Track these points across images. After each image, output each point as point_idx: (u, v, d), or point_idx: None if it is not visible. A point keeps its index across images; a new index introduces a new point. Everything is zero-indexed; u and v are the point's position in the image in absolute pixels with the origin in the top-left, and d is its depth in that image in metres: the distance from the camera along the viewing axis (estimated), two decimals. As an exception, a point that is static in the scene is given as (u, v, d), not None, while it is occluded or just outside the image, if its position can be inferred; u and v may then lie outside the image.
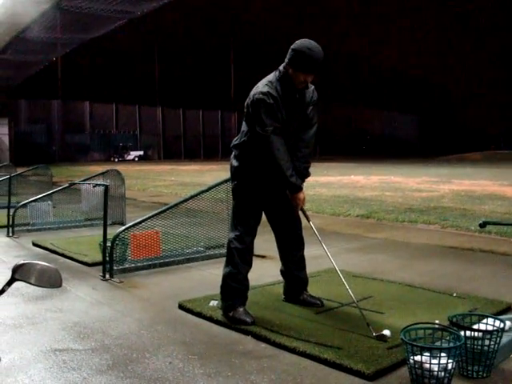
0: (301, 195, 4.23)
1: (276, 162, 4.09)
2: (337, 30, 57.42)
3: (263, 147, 4.11)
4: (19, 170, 13.39)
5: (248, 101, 4.19)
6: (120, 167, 13.43)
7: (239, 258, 4.24)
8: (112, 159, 50.74)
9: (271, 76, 4.22)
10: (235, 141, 4.41)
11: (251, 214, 4.30)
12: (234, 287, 4.24)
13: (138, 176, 23.48)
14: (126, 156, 52.40)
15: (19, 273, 1.88)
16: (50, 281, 1.94)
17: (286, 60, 4.11)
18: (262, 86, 4.14)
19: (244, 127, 4.33)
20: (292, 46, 4.09)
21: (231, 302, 4.22)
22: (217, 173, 24.45)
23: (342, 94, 67.27)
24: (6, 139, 40.55)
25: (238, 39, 59.54)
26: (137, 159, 51.92)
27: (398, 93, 74.65)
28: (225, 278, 4.30)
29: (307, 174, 4.36)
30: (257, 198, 4.31)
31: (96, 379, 3.25)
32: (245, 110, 4.26)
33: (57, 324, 4.26)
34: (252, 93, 4.17)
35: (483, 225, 3.32)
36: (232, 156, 4.43)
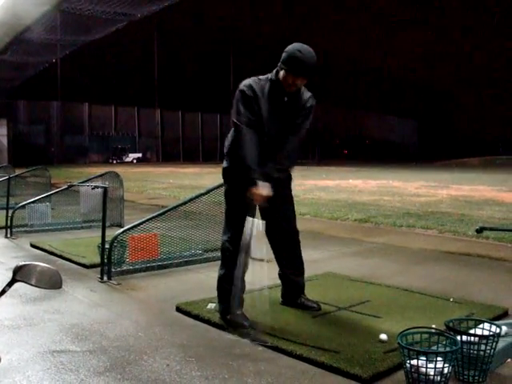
0: (257, 190, 4.01)
1: (242, 152, 4.06)
2: (336, 35, 57.50)
3: (235, 137, 4.16)
4: (18, 171, 13.39)
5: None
6: (118, 169, 13.44)
7: (231, 261, 4.25)
8: (110, 161, 50.68)
9: (265, 75, 4.26)
10: (225, 142, 4.46)
11: (243, 216, 4.23)
12: (229, 289, 4.24)
13: (136, 178, 23.48)
14: (124, 158, 52.35)
15: (20, 274, 1.89)
16: (50, 282, 1.95)
17: (280, 62, 4.14)
18: (247, 80, 4.20)
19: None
20: (285, 49, 4.13)
21: (228, 305, 4.23)
22: (215, 175, 24.42)
23: (341, 98, 67.34)
24: (4, 140, 40.52)
25: (238, 42, 59.60)
26: (135, 161, 51.87)
27: (397, 98, 74.75)
28: (219, 280, 4.33)
29: (273, 174, 4.12)
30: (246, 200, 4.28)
31: (93, 381, 3.26)
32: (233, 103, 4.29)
33: (55, 325, 4.27)
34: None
35: (480, 230, 3.34)
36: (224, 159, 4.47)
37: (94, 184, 8.26)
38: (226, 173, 4.39)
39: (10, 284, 1.88)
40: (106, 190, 6.17)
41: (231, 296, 4.23)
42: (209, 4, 50.72)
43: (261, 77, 4.24)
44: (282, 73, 4.10)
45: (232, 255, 4.23)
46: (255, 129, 4.09)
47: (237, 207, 4.29)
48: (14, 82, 49.45)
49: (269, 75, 4.23)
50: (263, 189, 4.00)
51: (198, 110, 58.31)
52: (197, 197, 6.52)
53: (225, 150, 4.42)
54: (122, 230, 6.16)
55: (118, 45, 50.38)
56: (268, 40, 55.29)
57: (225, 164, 4.40)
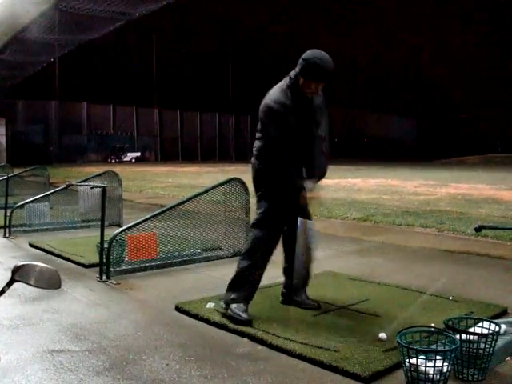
0: (306, 195, 4.31)
1: (280, 164, 4.26)
2: (335, 32, 57.48)
3: (271, 152, 4.30)
4: (16, 171, 13.37)
5: (261, 107, 4.33)
6: (117, 168, 13.43)
7: (263, 256, 4.37)
8: (109, 160, 50.58)
9: (282, 83, 4.36)
10: (255, 144, 4.52)
11: (285, 215, 4.43)
12: (248, 281, 4.33)
13: (135, 177, 23.45)
14: (123, 157, 52.23)
15: (19, 274, 1.89)
16: (49, 282, 1.95)
17: (297, 70, 4.26)
18: (273, 94, 4.31)
19: (259, 131, 4.47)
20: (303, 57, 4.25)
21: (236, 296, 4.29)
22: (214, 175, 24.45)
23: (340, 96, 67.33)
24: (3, 139, 40.40)
25: (236, 42, 59.60)
26: (134, 160, 51.77)
27: (396, 96, 74.75)
28: (242, 270, 4.38)
29: (317, 174, 4.43)
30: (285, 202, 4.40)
31: (92, 380, 3.26)
32: (260, 116, 4.38)
33: (53, 325, 4.27)
34: (264, 100, 4.32)
35: (479, 229, 3.33)
36: (254, 159, 4.52)
37: (92, 183, 8.25)
38: (262, 175, 4.44)
39: (8, 284, 1.88)
40: (104, 189, 6.16)
41: (245, 288, 4.31)
42: (207, 3, 50.70)
43: (281, 86, 4.35)
44: (302, 80, 4.23)
45: (267, 251, 4.35)
46: (288, 141, 4.25)
47: (281, 207, 4.38)
48: (13, 81, 49.36)
49: (286, 82, 4.33)
50: (309, 191, 4.34)
51: (197, 109, 58.22)
52: (195, 196, 6.52)
53: (255, 153, 4.49)
54: (120, 229, 6.16)
55: (116, 44, 50.38)
56: (267, 39, 55.31)
57: (257, 166, 4.45)
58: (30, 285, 1.90)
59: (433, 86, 74.97)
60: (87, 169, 31.35)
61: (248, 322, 4.10)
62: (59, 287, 1.99)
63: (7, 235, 8.47)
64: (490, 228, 4.78)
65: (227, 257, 6.67)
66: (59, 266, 6.30)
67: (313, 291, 4.79)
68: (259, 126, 4.47)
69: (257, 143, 4.51)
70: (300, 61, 4.25)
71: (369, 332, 3.95)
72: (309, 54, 4.25)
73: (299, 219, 4.33)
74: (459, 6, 56.91)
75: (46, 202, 9.56)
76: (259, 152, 4.46)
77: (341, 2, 55.82)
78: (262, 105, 4.34)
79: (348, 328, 4.07)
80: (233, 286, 4.35)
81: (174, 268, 6.29)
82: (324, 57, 4.23)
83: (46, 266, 1.95)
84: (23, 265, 1.91)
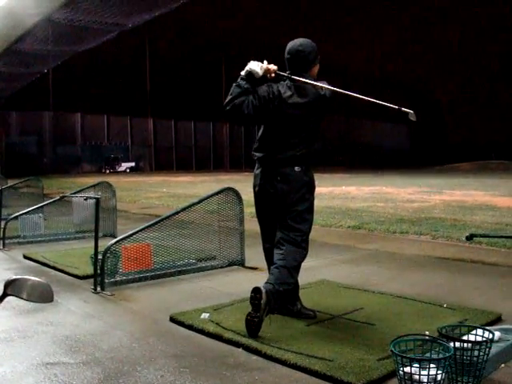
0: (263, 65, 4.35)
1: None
2: (327, 39, 57.65)
3: (317, 154, 4.54)
4: (10, 182, 13.35)
5: (324, 100, 4.57)
6: (111, 179, 13.42)
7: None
8: (103, 171, 50.53)
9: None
10: (289, 153, 4.33)
11: None
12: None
13: (129, 188, 23.41)
14: (117, 167, 52.17)
15: (11, 288, 1.89)
16: (42, 296, 1.95)
17: (307, 65, 4.54)
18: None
19: (296, 136, 4.39)
20: (301, 54, 4.47)
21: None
22: (209, 184, 24.42)
23: (333, 104, 67.38)
24: (-4, 151, 40.40)
25: (229, 50, 59.74)
26: (128, 170, 51.71)
27: (389, 103, 74.86)
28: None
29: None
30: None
31: (87, 393, 3.25)
32: (324, 108, 4.60)
33: (48, 337, 4.25)
34: (324, 91, 4.55)
35: (470, 237, 3.35)
36: (290, 170, 4.34)
37: (86, 195, 8.24)
38: (306, 184, 4.40)
39: (1, 298, 1.88)
40: (98, 200, 6.16)
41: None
42: (200, 12, 50.87)
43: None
44: (315, 69, 4.62)
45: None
46: None
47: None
48: (6, 92, 49.31)
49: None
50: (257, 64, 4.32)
51: (191, 118, 58.30)
52: (189, 206, 6.53)
53: (295, 158, 4.33)
54: (114, 240, 6.15)
55: (109, 54, 50.36)
56: (259, 47, 55.45)
57: (306, 178, 4.38)
58: (23, 299, 1.91)
59: (425, 94, 75.31)
60: (81, 179, 31.30)
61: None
62: (51, 301, 1.99)
63: (1, 247, 8.44)
64: (482, 236, 4.81)
65: (221, 267, 6.68)
66: (53, 278, 6.29)
67: (307, 300, 4.80)
68: (308, 125, 4.44)
69: (300, 148, 4.34)
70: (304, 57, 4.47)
71: (363, 341, 3.96)
72: (300, 47, 4.50)
73: None
74: (452, 12, 57.21)
75: (40, 214, 9.54)
76: (304, 157, 4.36)
77: (334, 10, 56.10)
78: (322, 96, 4.51)
79: (342, 337, 4.07)
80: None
81: (169, 278, 6.28)
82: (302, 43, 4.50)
83: (38, 279, 1.96)
84: (15, 279, 1.91)
